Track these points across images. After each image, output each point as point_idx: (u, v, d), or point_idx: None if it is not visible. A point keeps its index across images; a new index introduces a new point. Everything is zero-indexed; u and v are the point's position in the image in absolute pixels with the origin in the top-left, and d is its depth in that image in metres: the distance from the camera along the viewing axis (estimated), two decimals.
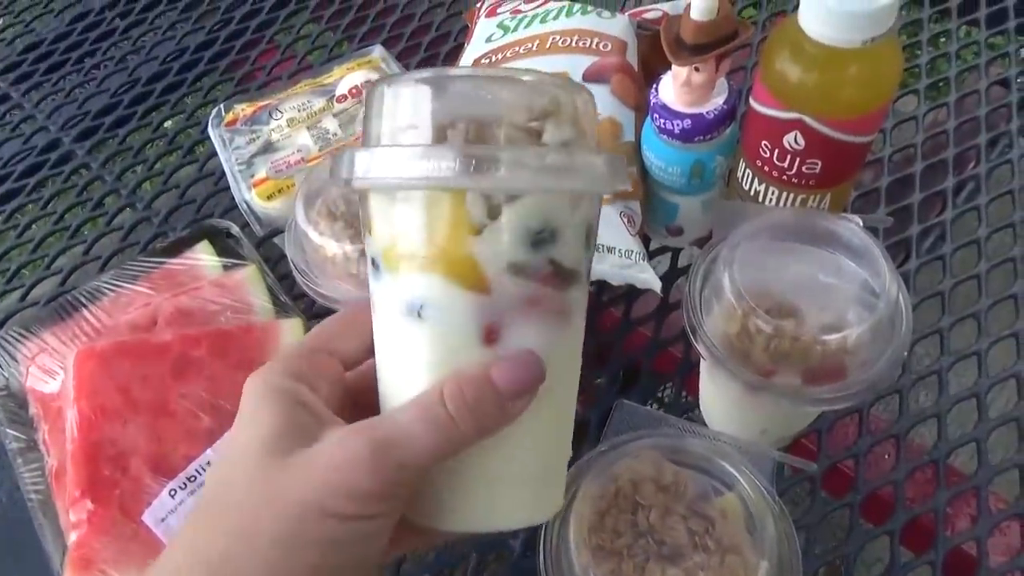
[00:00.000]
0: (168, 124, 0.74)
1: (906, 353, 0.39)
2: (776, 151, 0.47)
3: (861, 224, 0.42)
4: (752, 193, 0.51)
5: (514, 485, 0.29)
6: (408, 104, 0.26)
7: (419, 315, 0.26)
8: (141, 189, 0.68)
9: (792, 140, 0.45)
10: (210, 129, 0.64)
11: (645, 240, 0.56)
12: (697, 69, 0.47)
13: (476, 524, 0.29)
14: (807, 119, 0.44)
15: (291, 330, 0.52)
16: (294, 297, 0.56)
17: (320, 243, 0.44)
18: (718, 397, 0.47)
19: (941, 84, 0.68)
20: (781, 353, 0.39)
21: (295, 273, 0.45)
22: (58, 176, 0.70)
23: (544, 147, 0.26)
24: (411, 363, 0.27)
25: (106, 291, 0.56)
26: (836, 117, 0.44)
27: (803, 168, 0.47)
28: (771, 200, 0.50)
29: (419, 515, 0.29)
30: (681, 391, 0.53)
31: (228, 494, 0.27)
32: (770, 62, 0.44)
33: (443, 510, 0.28)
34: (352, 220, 0.45)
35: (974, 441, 0.50)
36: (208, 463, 0.47)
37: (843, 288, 0.41)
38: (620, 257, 0.51)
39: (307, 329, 0.53)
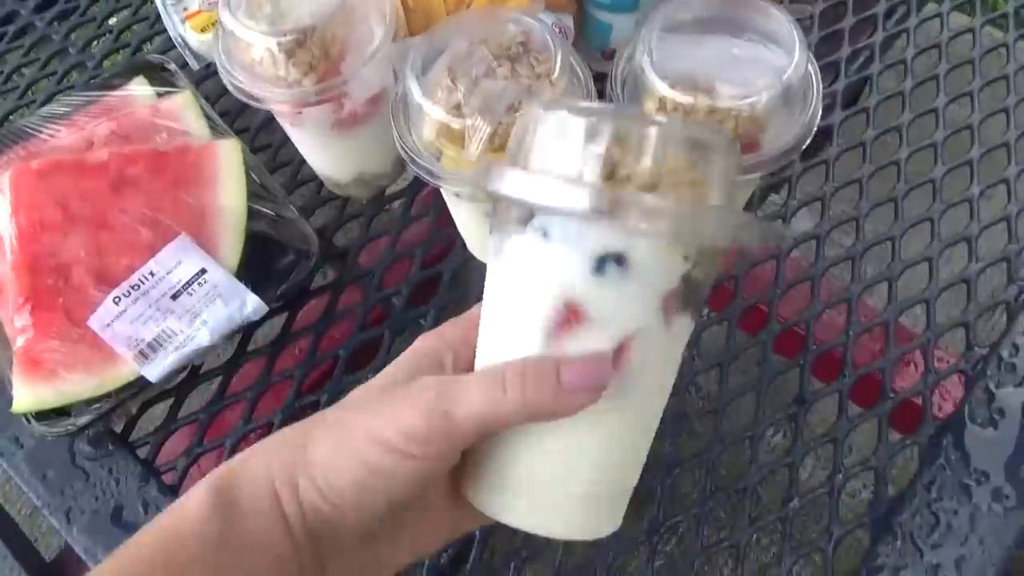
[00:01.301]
0: None
1: (815, 128, 0.41)
2: None
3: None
4: None
5: (570, 496, 0.30)
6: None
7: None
8: (74, 35, 0.67)
9: None
10: None
11: None
12: None
13: (528, 525, 0.30)
14: None
15: (229, 151, 0.53)
16: (237, 132, 0.57)
17: (247, 39, 0.44)
18: None
19: None
20: None
21: (220, 71, 0.45)
22: None
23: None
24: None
25: (40, 125, 0.56)
26: None
27: None
28: None
29: (481, 505, 0.30)
30: None
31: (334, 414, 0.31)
32: None
33: (504, 504, 0.30)
34: (276, 19, 0.45)
35: (886, 280, 0.52)
36: (151, 273, 0.48)
37: (759, 68, 0.42)
38: None
39: (245, 153, 0.53)
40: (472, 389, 0.28)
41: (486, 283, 0.31)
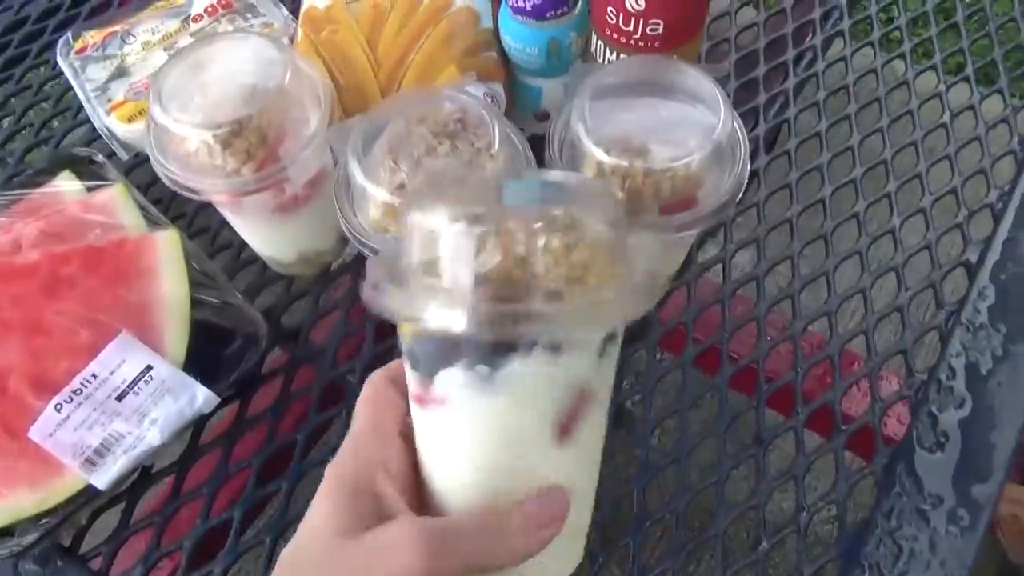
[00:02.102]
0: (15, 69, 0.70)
1: (745, 181, 0.43)
2: (621, 15, 0.49)
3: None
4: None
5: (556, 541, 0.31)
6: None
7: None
8: None
9: (633, 1, 0.48)
10: (59, 59, 0.62)
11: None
12: None
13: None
14: None
15: (167, 241, 0.52)
16: (172, 219, 0.56)
17: (180, 133, 0.43)
18: None
19: None
20: (636, 190, 0.42)
21: (154, 164, 0.44)
22: None
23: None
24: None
25: None
26: None
27: (647, 30, 0.49)
28: None
29: None
30: None
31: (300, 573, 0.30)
32: None
33: None
34: (210, 111, 0.44)
35: (825, 315, 0.54)
36: (93, 375, 0.46)
37: (688, 129, 0.44)
38: None
39: (183, 241, 0.52)
40: (471, 541, 0.29)
41: (453, 417, 0.30)
